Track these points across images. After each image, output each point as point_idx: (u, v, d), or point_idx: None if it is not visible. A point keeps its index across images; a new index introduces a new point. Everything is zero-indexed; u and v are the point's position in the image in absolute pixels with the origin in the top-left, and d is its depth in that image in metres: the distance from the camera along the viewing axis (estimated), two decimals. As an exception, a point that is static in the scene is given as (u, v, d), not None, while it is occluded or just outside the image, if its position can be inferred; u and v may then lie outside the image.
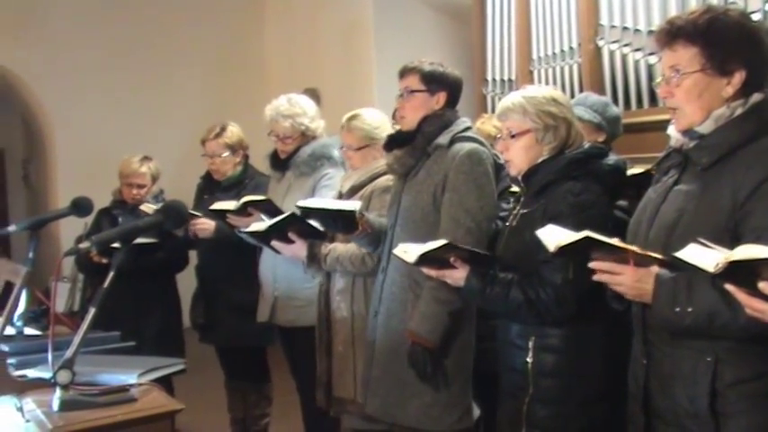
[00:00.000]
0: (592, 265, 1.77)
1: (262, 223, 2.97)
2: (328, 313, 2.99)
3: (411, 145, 2.63)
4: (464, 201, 2.50)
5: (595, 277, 1.79)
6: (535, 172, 2.23)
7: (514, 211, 2.31)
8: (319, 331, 3.03)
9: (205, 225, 3.53)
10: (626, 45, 4.23)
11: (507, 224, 2.33)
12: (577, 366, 2.15)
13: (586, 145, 2.28)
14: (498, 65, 5.26)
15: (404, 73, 2.68)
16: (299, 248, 2.92)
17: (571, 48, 4.62)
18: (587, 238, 1.69)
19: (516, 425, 2.22)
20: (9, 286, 2.40)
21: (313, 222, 2.86)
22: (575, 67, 4.59)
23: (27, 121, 8.18)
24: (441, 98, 2.64)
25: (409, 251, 2.26)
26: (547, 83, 4.68)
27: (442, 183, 2.55)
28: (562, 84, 4.64)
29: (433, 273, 2.30)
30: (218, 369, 4.00)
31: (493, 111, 5.03)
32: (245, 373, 3.90)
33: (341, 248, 2.90)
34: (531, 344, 2.19)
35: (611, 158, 2.30)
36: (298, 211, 2.83)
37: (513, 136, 2.25)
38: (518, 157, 2.26)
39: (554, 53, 4.76)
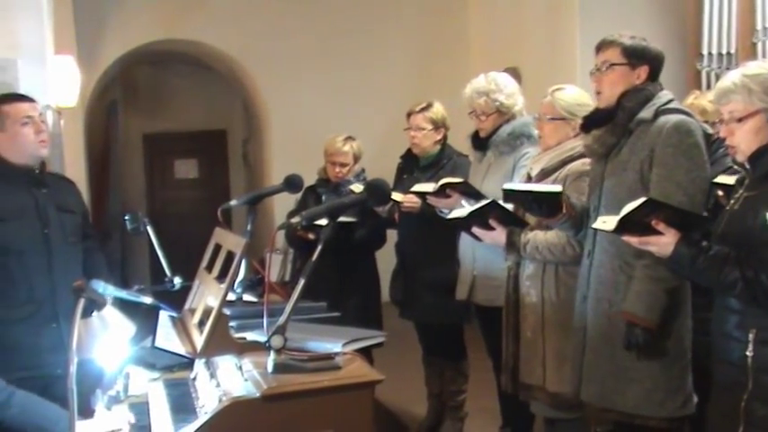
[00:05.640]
0: None
1: (463, 209, 2.97)
2: (517, 298, 2.95)
3: (612, 122, 2.52)
4: (673, 174, 2.37)
5: None
6: (763, 153, 2.05)
7: (737, 195, 2.14)
8: (507, 315, 3.01)
9: (413, 202, 3.60)
10: None
11: (728, 208, 2.15)
12: None
13: None
14: (716, 37, 4.87)
15: (602, 46, 2.56)
16: (499, 235, 2.89)
17: (804, 15, 4.17)
18: None
19: (732, 421, 2.07)
20: (230, 256, 2.60)
21: (510, 207, 2.83)
22: (807, 37, 4.15)
23: (247, 104, 8.85)
24: (642, 73, 2.52)
25: (608, 221, 2.16)
26: (773, 55, 4.27)
27: (648, 159, 2.43)
28: (791, 56, 4.21)
29: (634, 240, 2.14)
30: (417, 344, 4.11)
31: (708, 87, 4.69)
32: (442, 350, 3.97)
33: (540, 237, 2.84)
34: (750, 336, 2.02)
35: None
36: (502, 195, 2.79)
37: (739, 120, 2.07)
38: (745, 142, 2.08)
39: (782, 22, 4.33)
